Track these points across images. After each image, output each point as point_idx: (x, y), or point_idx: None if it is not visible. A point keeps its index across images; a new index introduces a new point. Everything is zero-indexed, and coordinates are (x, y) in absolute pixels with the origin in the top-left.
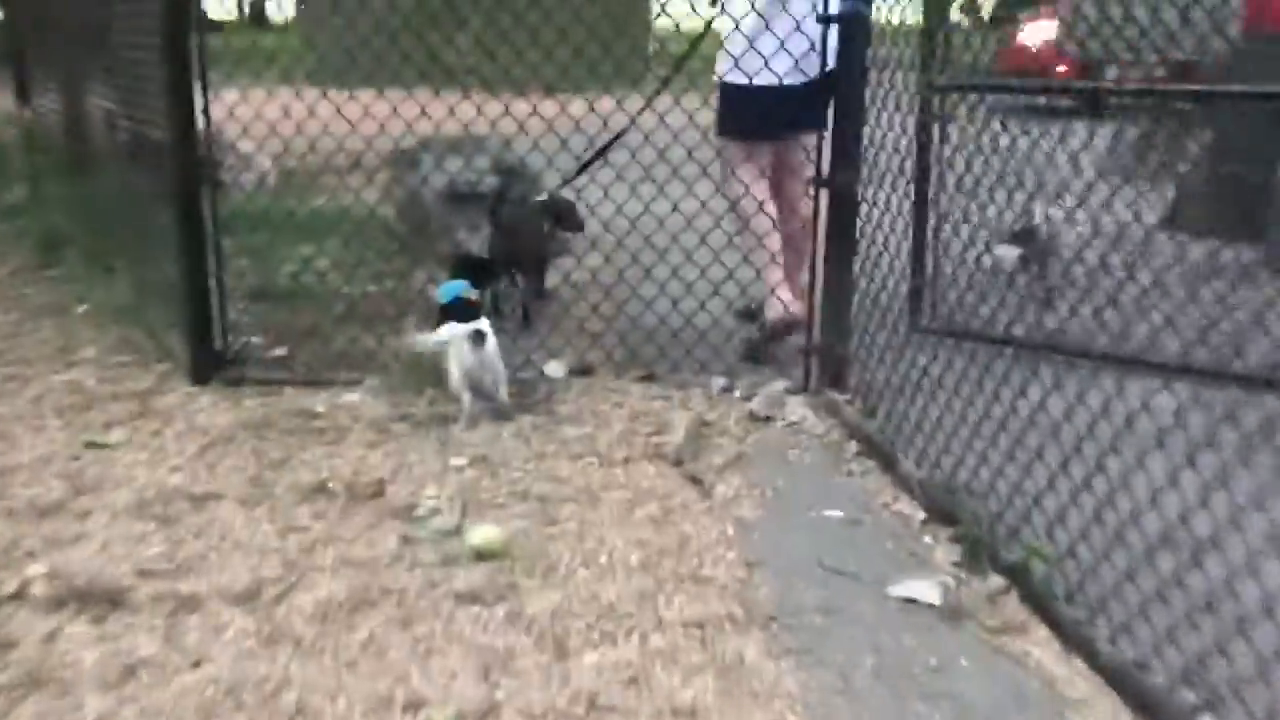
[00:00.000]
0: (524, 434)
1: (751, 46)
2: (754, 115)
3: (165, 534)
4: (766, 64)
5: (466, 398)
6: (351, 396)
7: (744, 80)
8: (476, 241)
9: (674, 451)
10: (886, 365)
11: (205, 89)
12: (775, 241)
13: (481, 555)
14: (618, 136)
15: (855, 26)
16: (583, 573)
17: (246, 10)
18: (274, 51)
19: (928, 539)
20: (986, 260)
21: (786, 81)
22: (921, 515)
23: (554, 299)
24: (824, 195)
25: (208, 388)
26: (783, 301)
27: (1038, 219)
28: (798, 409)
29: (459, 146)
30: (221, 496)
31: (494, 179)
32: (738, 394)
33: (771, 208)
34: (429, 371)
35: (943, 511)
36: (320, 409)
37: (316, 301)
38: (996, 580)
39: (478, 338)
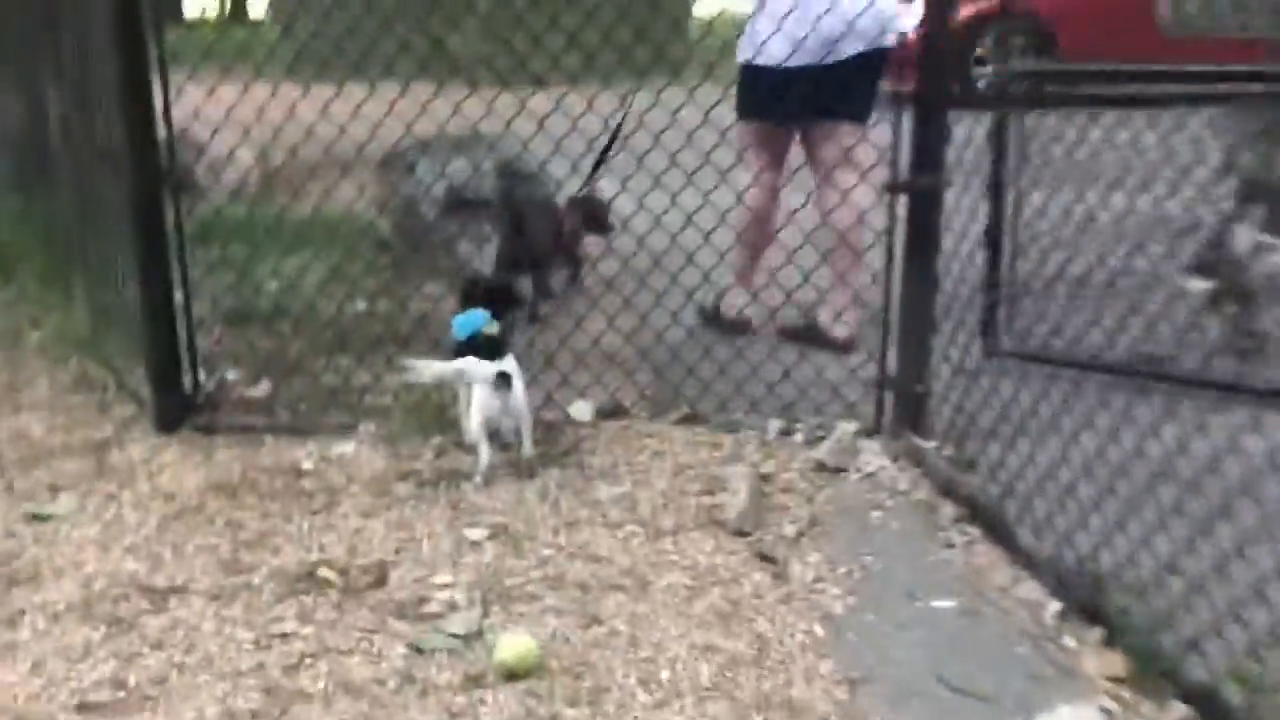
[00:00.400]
0: (550, 494)
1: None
2: (757, 96)
3: (116, 645)
4: (764, 42)
5: (485, 451)
6: (345, 447)
7: (747, 58)
8: (486, 256)
9: (735, 518)
10: (975, 398)
11: (166, 84)
12: (755, 237)
13: (513, 674)
14: (614, 137)
15: (940, 7)
16: (642, 696)
17: (228, 6)
18: (246, 44)
19: (1069, 640)
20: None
21: (794, 63)
22: (1056, 605)
23: (579, 290)
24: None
25: (175, 436)
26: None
27: (1240, 246)
28: (874, 457)
29: (461, 147)
30: (187, 590)
31: (501, 182)
32: (799, 438)
33: (770, 201)
34: (434, 414)
35: (1083, 601)
36: (308, 464)
37: (303, 325)
38: (1179, 709)
39: (503, 381)
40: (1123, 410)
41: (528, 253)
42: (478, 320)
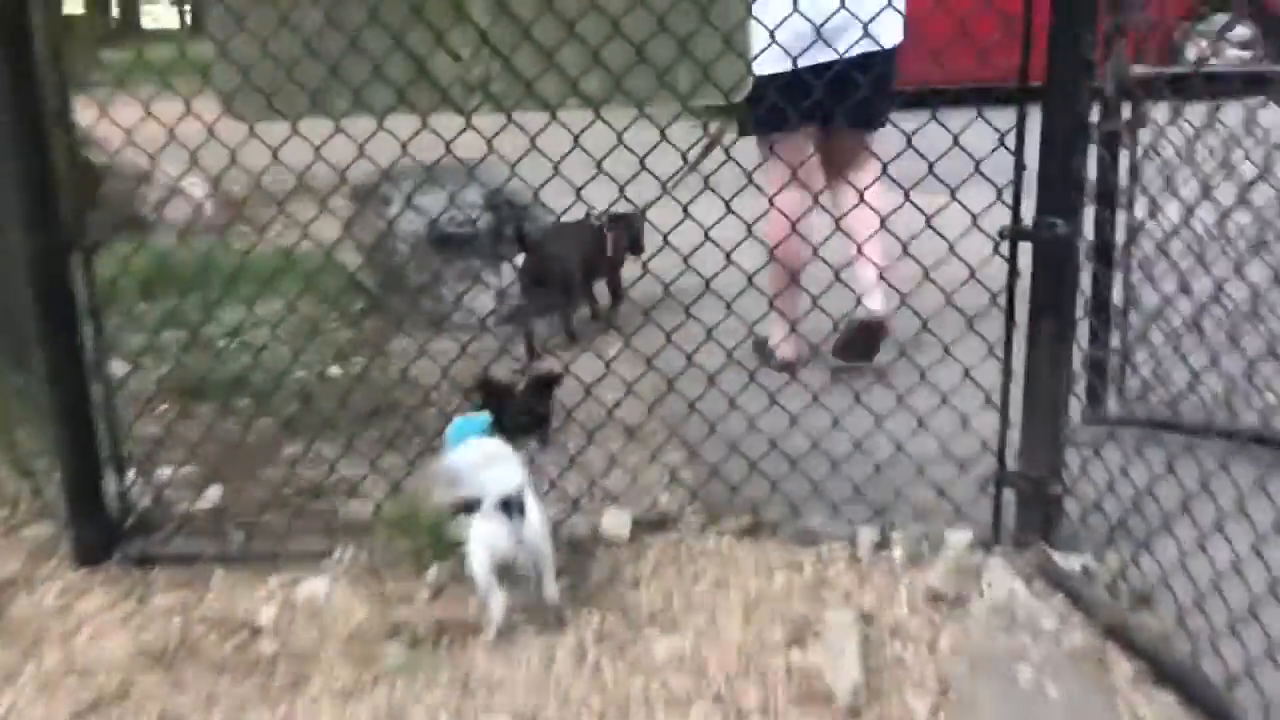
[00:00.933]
0: (588, 655)
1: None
2: (764, 105)
3: None
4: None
5: (496, 604)
6: (315, 585)
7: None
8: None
9: (844, 693)
10: (1094, 481)
11: (67, 109)
12: (789, 266)
13: None
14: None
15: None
16: None
17: (189, 19)
18: (168, 64)
19: None
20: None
21: (803, 63)
22: None
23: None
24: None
25: (99, 572)
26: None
27: None
28: (1001, 580)
29: (441, 177)
30: None
31: (489, 215)
32: (898, 553)
33: (802, 223)
34: (429, 532)
35: None
36: (268, 614)
37: (266, 400)
38: None
39: (512, 509)
40: None
41: (561, 279)
42: (475, 426)
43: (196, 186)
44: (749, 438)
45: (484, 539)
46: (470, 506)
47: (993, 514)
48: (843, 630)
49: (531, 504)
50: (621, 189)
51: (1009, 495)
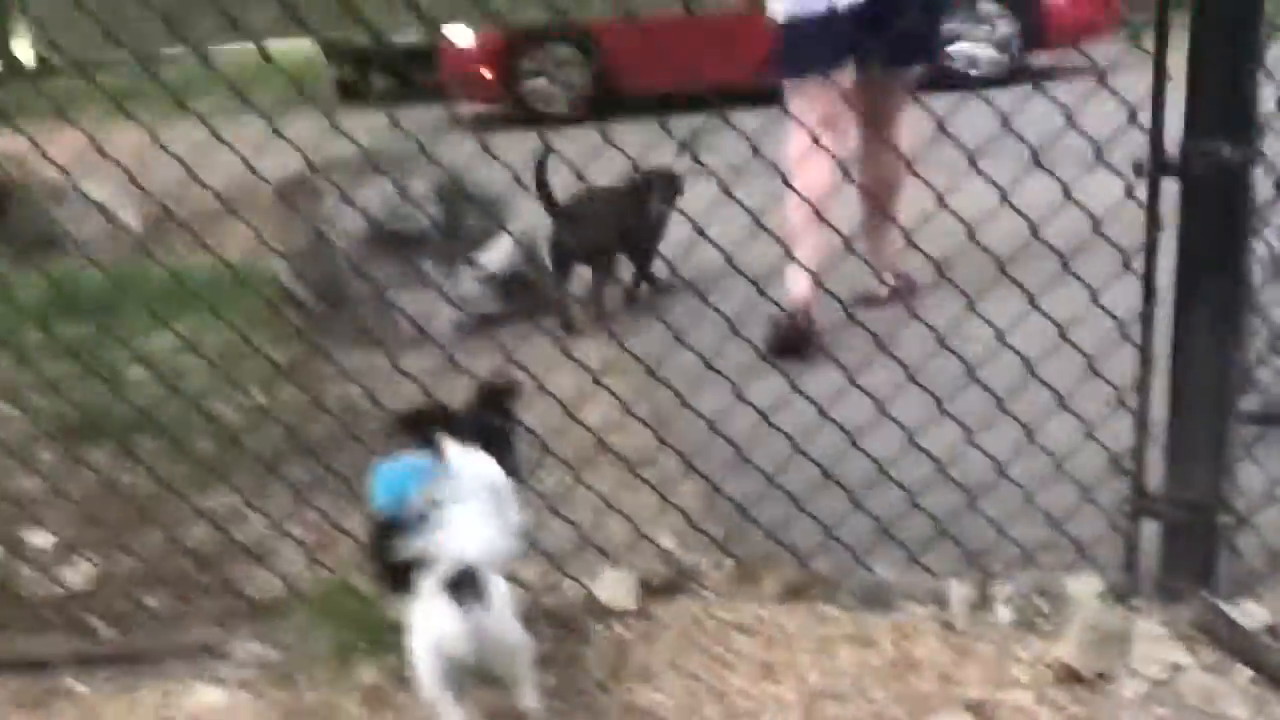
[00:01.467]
0: None
1: None
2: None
3: None
4: None
5: (451, 718)
6: (204, 696)
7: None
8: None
9: None
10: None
11: None
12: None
13: None
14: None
15: None
16: None
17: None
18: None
19: None
20: None
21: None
22: None
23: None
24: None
25: None
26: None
27: None
28: (1156, 649)
29: (385, 166)
30: None
31: (441, 209)
32: (1004, 612)
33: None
34: (360, 617)
35: None
36: None
37: (167, 436)
38: None
39: (465, 591)
40: None
41: (592, 251)
42: (407, 475)
43: (121, 205)
44: (790, 464)
45: (429, 633)
46: (412, 573)
47: (1126, 553)
48: None
49: (493, 581)
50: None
51: (1148, 528)
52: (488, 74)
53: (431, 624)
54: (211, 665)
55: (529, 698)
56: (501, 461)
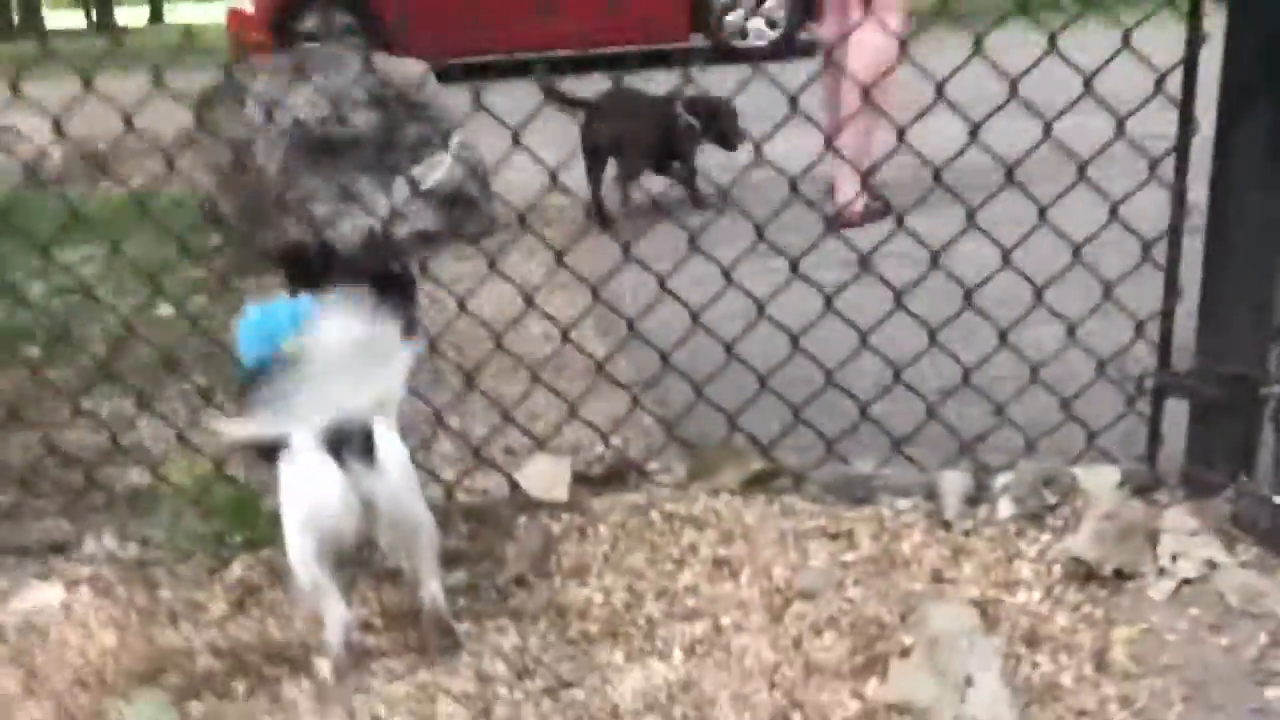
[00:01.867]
0: (493, 708)
1: None
2: None
3: None
4: None
5: (332, 616)
6: (41, 595)
7: None
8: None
9: None
10: None
11: None
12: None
13: None
14: None
15: None
16: None
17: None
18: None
19: None
20: None
21: None
22: None
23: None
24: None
25: None
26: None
27: None
28: (1189, 543)
29: (316, 67)
30: None
31: (375, 114)
32: (1006, 506)
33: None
34: (237, 504)
35: None
36: None
37: (59, 344)
38: None
39: (349, 447)
40: None
41: (616, 147)
42: (284, 316)
43: (39, 132)
44: (753, 343)
45: (302, 502)
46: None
47: (1148, 438)
48: (955, 640)
49: (387, 439)
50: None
51: (1174, 409)
52: (263, 35)
53: (305, 491)
54: (57, 564)
55: (430, 590)
56: (396, 312)
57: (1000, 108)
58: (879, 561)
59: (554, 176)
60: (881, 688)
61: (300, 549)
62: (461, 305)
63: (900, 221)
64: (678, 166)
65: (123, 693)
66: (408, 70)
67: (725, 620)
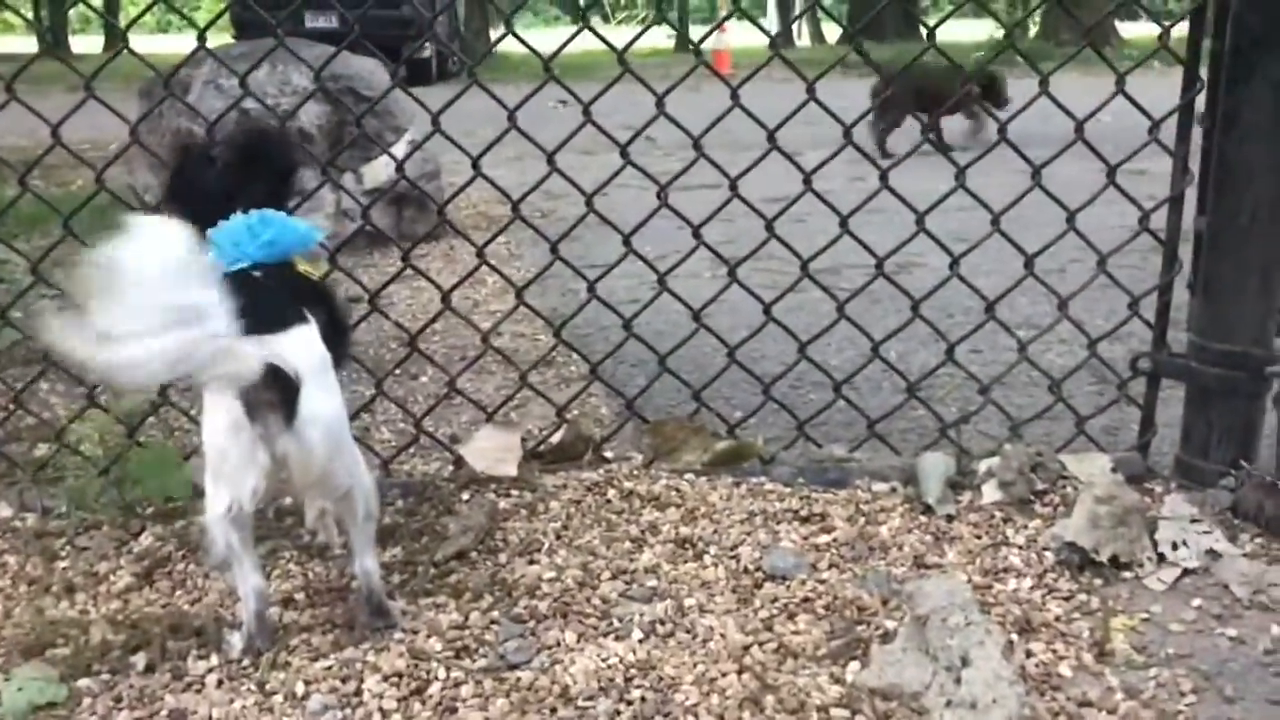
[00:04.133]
0: (430, 686)
1: None
2: None
3: None
4: None
5: (248, 584)
6: None
7: None
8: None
9: None
10: None
11: None
12: None
13: None
14: None
15: None
16: None
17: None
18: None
19: None
20: None
21: None
22: None
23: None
24: None
25: None
26: None
27: None
28: (1187, 531)
29: (259, 56)
30: None
31: (322, 107)
32: (990, 490)
33: None
34: (153, 465)
35: None
36: None
37: None
38: None
39: (264, 407)
40: None
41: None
42: (289, 233)
43: None
44: (721, 317)
45: (213, 452)
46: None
47: (1141, 422)
48: (947, 617)
49: (316, 398)
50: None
51: (1169, 393)
52: None
53: (216, 443)
54: None
55: (364, 564)
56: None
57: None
58: (855, 545)
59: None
60: (863, 672)
61: (212, 504)
62: (372, 304)
63: (884, 179)
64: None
65: (3, 668)
66: (361, 64)
67: (689, 601)
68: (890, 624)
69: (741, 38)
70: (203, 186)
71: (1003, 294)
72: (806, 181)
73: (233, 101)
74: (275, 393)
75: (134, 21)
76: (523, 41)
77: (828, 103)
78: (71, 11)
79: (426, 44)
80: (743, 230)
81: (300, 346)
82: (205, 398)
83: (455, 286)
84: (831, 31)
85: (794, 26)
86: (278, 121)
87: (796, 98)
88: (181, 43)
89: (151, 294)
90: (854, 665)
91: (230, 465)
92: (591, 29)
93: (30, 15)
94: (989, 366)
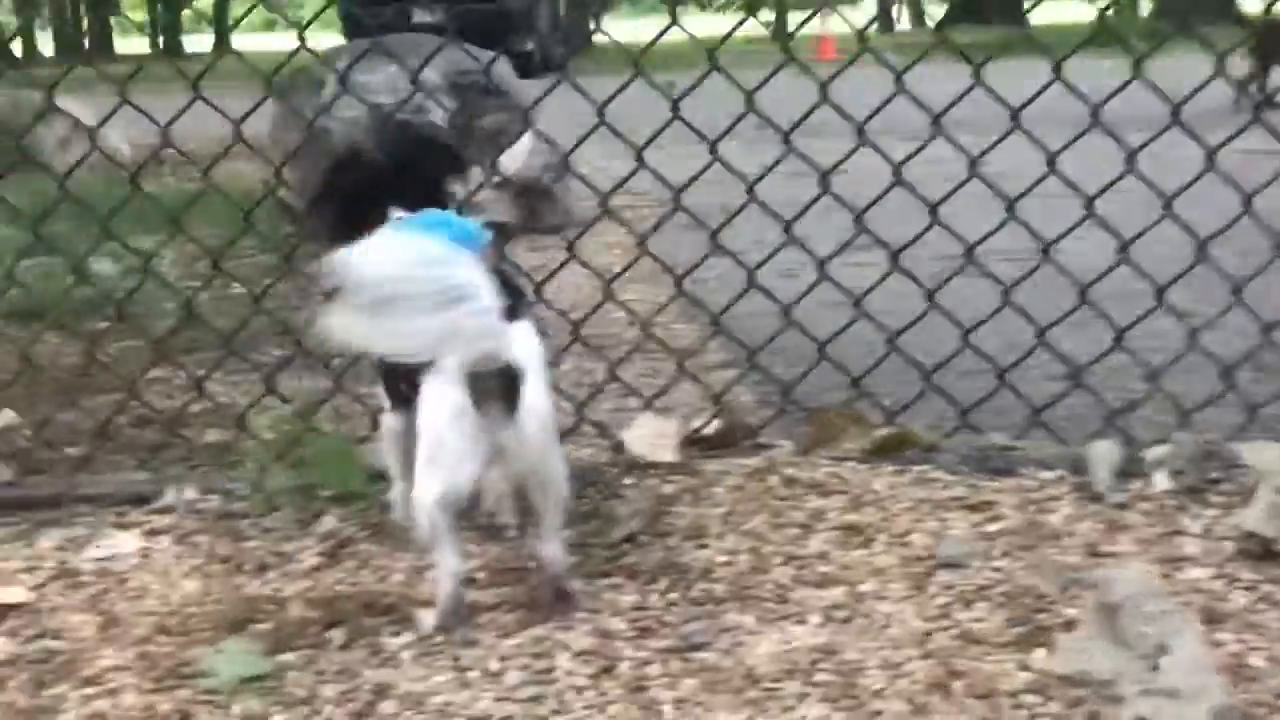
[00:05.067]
0: (619, 665)
1: None
2: None
3: None
4: None
5: (447, 567)
6: (117, 543)
7: None
8: None
9: None
10: None
11: None
12: None
13: None
14: None
15: None
16: None
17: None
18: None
19: None
20: None
21: None
22: None
23: None
24: None
25: None
26: None
27: None
28: None
29: (392, 53)
30: None
31: (450, 101)
32: (1161, 479)
33: None
34: (332, 457)
35: None
36: (18, 594)
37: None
38: None
39: (490, 397)
40: None
41: None
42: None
43: (112, 131)
44: (880, 300)
45: (434, 444)
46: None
47: None
48: (1139, 606)
49: (534, 389)
50: None
51: None
52: None
53: (437, 430)
54: (136, 515)
55: (551, 547)
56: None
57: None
58: (1026, 533)
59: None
60: (1050, 659)
61: (425, 490)
62: (538, 294)
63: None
64: None
65: (209, 641)
66: (487, 58)
67: (863, 587)
68: (1071, 612)
69: (843, 23)
70: (362, 187)
71: (1173, 279)
72: (972, 165)
73: (366, 100)
74: (502, 382)
75: (237, 22)
76: (607, 35)
77: (944, 88)
78: (184, 11)
79: (529, 37)
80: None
81: (524, 338)
82: (427, 385)
83: (616, 276)
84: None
85: (894, 11)
86: (409, 118)
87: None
88: (290, 41)
89: (423, 273)
90: (1039, 652)
91: (449, 452)
92: (680, 25)
93: (145, 18)
94: (1147, 354)
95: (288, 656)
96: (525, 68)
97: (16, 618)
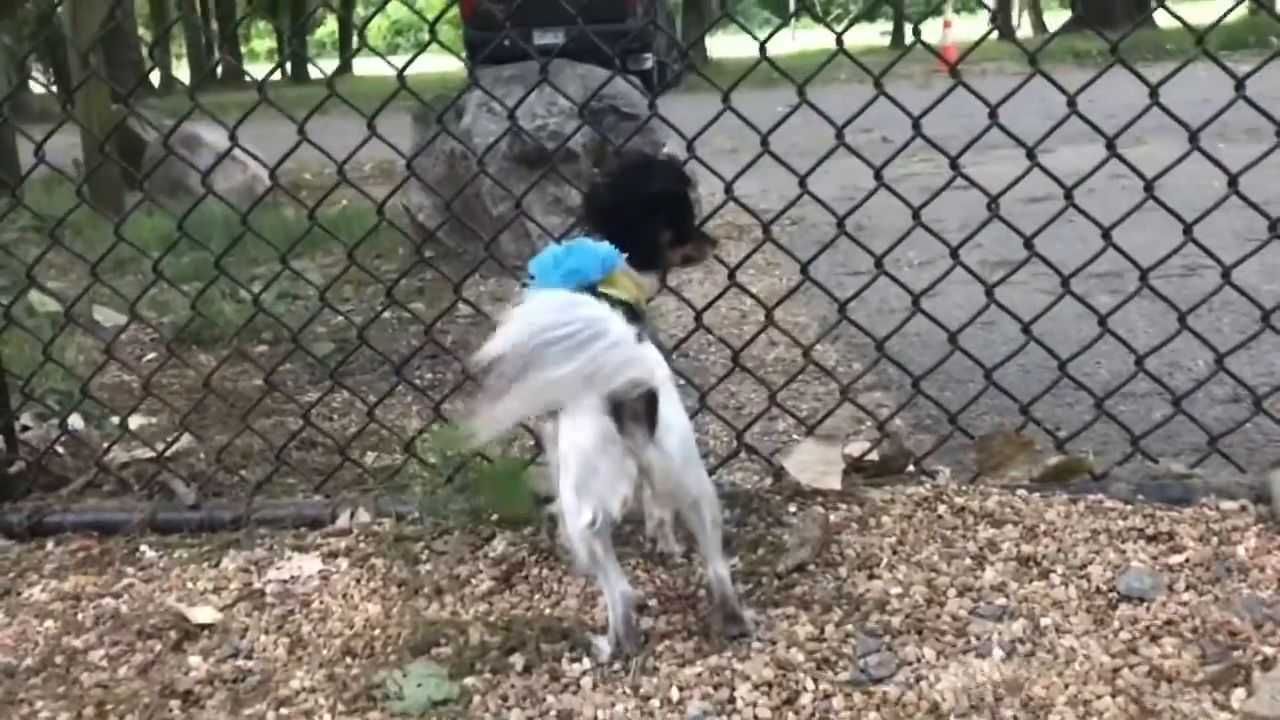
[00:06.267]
0: (801, 698)
1: None
2: None
3: None
4: None
5: (615, 594)
6: (299, 566)
7: None
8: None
9: None
10: None
11: None
12: None
13: None
14: None
15: None
16: None
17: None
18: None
19: None
20: None
21: None
22: None
23: None
24: None
25: None
26: None
27: None
28: None
29: (528, 78)
30: None
31: (586, 126)
32: None
33: None
34: (502, 479)
35: None
36: (208, 615)
37: (287, 344)
38: None
39: (630, 419)
40: None
41: None
42: (588, 259)
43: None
44: (1001, 327)
45: (583, 470)
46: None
47: None
48: None
49: (670, 409)
50: None
51: None
52: None
53: (583, 456)
54: (310, 539)
55: (716, 571)
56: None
57: None
58: (1211, 566)
59: (802, 183)
60: (1250, 700)
61: (577, 517)
62: (698, 321)
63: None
64: None
65: (395, 664)
66: (620, 84)
67: (1045, 621)
68: (1268, 650)
69: (964, 31)
70: (615, 218)
71: None
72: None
73: (506, 126)
74: (641, 404)
75: (355, 52)
76: (699, 73)
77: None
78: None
79: (648, 56)
80: (997, 235)
81: (654, 360)
82: (565, 414)
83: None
84: (1054, 19)
85: (1015, 17)
86: (547, 143)
87: (1031, 91)
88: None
89: (551, 321)
90: (1238, 692)
91: (600, 478)
92: (769, 60)
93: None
94: None
95: (471, 680)
96: (644, 86)
97: (207, 637)
